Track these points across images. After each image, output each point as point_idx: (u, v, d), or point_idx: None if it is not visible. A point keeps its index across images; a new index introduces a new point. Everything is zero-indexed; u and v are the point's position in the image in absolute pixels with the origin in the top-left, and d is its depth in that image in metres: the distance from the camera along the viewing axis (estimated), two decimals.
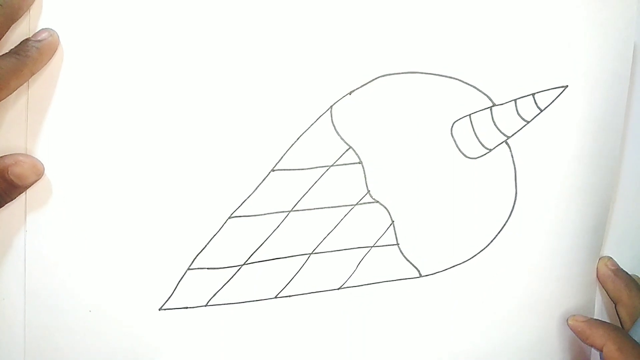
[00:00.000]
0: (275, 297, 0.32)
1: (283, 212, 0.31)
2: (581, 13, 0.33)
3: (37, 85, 0.28)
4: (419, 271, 0.33)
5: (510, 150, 0.34)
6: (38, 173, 0.28)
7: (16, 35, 0.27)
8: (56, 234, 0.29)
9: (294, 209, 0.31)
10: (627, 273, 0.37)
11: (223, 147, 0.30)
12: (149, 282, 0.30)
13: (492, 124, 0.33)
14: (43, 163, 0.28)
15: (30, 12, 0.27)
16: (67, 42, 0.28)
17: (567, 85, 0.34)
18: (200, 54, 0.29)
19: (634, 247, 0.38)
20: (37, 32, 0.27)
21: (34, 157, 0.28)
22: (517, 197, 0.34)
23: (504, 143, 0.34)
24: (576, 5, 0.32)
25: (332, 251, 0.32)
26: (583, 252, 0.37)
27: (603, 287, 0.37)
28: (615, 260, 0.38)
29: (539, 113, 0.34)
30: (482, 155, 0.33)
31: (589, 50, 0.33)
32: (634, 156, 0.37)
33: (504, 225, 0.34)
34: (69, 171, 0.29)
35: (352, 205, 0.32)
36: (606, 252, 0.38)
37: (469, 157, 0.33)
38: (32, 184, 0.28)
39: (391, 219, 0.33)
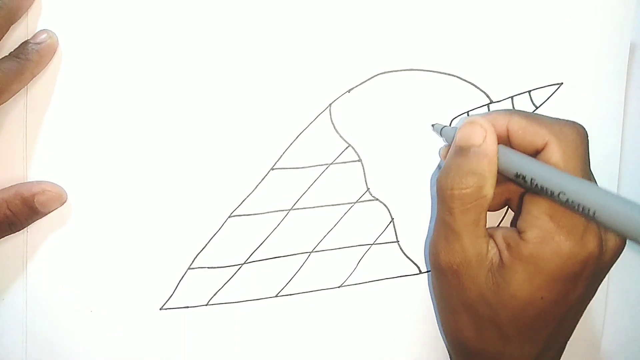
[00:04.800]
0: (276, 296, 0.32)
1: (283, 210, 0.31)
2: (577, 10, 0.33)
3: (35, 88, 0.28)
4: (418, 268, 0.33)
5: None
6: (62, 202, 0.28)
7: (15, 36, 0.27)
8: (57, 234, 0.29)
9: (293, 208, 0.31)
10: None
11: (222, 146, 0.30)
12: (149, 282, 0.30)
13: None
14: (42, 164, 0.28)
15: (29, 13, 0.27)
16: (65, 43, 0.28)
17: (562, 83, 0.34)
18: (199, 54, 0.29)
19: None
20: (36, 34, 0.27)
21: (60, 186, 0.28)
22: None
23: None
24: (572, 2, 0.33)
25: (332, 249, 0.32)
26: None
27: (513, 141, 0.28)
28: (623, 259, 0.36)
29: (535, 110, 0.34)
30: None
31: (584, 47, 0.34)
32: (634, 154, 0.36)
33: (501, 221, 0.34)
34: (69, 172, 0.29)
35: (351, 203, 0.32)
36: None
37: None
38: (53, 210, 0.28)
39: (391, 217, 0.33)
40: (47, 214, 0.28)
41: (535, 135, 0.26)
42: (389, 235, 0.33)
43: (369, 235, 0.33)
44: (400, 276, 0.33)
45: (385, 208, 0.33)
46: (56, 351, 0.30)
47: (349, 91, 0.31)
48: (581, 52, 0.33)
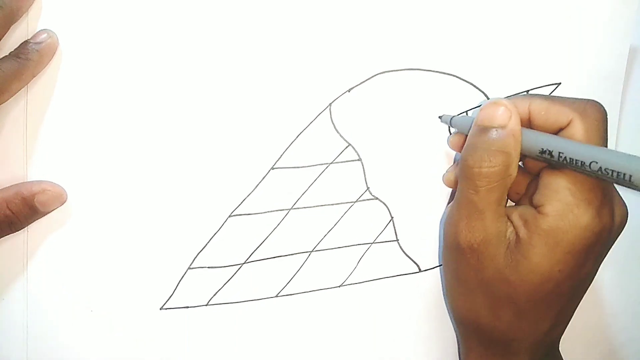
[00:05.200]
0: (277, 296, 0.32)
1: (283, 210, 0.31)
2: (577, 11, 0.33)
3: (35, 88, 0.28)
4: (418, 266, 0.34)
5: None
6: (62, 201, 0.28)
7: (15, 36, 0.27)
8: (57, 234, 0.29)
9: (294, 207, 0.31)
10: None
11: (223, 145, 0.30)
12: (149, 282, 0.30)
13: None
14: (43, 163, 0.28)
15: (29, 13, 0.27)
16: (65, 43, 0.28)
17: (560, 83, 0.34)
18: (199, 54, 0.29)
19: (634, 240, 0.38)
20: (36, 34, 0.27)
21: (60, 186, 0.28)
22: None
23: None
24: (572, 3, 0.33)
25: (332, 248, 0.32)
26: None
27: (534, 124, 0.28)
28: (617, 249, 0.37)
29: None
30: None
31: (583, 48, 0.34)
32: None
33: None
34: (69, 172, 0.29)
35: (351, 202, 0.32)
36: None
37: None
38: (53, 210, 0.28)
39: (390, 215, 0.33)
40: (47, 214, 0.28)
41: (560, 114, 0.27)
42: (389, 234, 0.33)
43: (369, 234, 0.33)
44: (400, 275, 0.33)
45: (385, 207, 0.33)
46: (56, 351, 0.30)
47: (349, 90, 0.31)
48: (579, 53, 0.34)
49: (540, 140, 0.27)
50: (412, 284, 0.34)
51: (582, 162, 0.25)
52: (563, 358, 0.33)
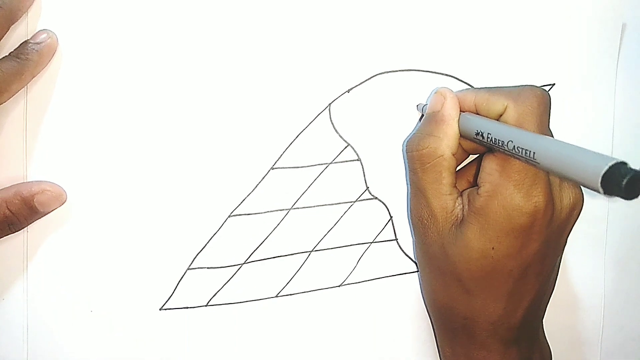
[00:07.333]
0: (276, 296, 0.32)
1: (283, 210, 0.31)
2: (569, 12, 0.34)
3: (35, 88, 0.28)
4: (417, 265, 0.34)
5: None
6: (62, 202, 0.28)
7: (15, 36, 0.27)
8: (57, 234, 0.29)
9: (293, 207, 0.32)
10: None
11: (222, 146, 0.30)
12: (149, 282, 0.30)
13: None
14: (42, 164, 0.28)
15: (29, 13, 0.27)
16: (64, 43, 0.28)
17: (555, 83, 0.34)
18: (198, 54, 0.29)
19: (634, 239, 0.38)
20: (35, 34, 0.27)
21: (60, 186, 0.28)
22: None
23: None
24: (564, 4, 0.33)
25: (332, 248, 0.32)
26: (578, 241, 0.37)
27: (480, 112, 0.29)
28: (617, 249, 0.37)
29: None
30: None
31: (576, 49, 0.34)
32: (623, 152, 0.37)
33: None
34: (69, 172, 0.29)
35: (351, 202, 0.32)
36: (608, 243, 0.37)
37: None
38: (53, 210, 0.28)
39: (390, 215, 0.33)
40: (46, 214, 0.28)
41: (497, 103, 0.28)
42: (388, 234, 0.33)
43: (368, 233, 0.33)
44: (400, 274, 0.34)
45: (384, 206, 0.33)
46: (56, 351, 0.30)
47: (348, 91, 0.31)
48: (573, 55, 0.34)
49: (474, 123, 0.28)
50: (411, 283, 0.34)
51: (502, 141, 0.26)
52: (550, 348, 0.33)
